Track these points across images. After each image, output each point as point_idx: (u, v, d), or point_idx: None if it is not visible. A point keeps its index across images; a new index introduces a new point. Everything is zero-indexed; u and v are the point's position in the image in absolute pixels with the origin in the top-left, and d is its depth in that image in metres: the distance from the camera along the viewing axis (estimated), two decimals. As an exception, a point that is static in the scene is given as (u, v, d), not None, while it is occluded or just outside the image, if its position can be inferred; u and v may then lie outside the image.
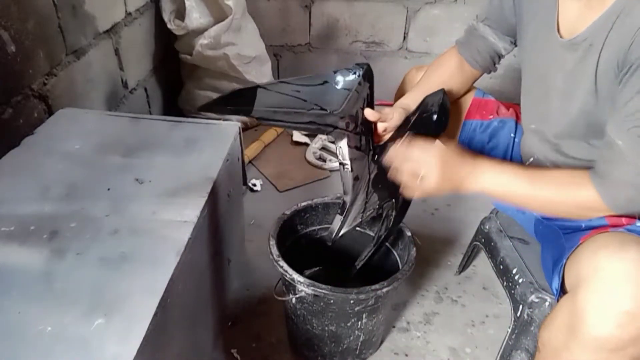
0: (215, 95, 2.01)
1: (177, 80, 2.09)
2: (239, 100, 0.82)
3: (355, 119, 0.94)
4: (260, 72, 2.02)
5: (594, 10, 0.80)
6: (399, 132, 0.99)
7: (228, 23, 1.81)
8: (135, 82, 1.77)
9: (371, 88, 0.96)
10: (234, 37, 1.87)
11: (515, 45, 1.06)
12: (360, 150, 0.96)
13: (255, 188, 1.77)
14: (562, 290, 0.87)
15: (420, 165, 0.85)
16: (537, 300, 0.99)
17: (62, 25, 1.27)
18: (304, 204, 1.21)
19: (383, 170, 0.97)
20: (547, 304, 0.98)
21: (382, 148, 1.01)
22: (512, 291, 1.05)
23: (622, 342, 0.70)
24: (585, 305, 0.72)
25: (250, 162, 1.90)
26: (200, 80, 1.99)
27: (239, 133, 1.19)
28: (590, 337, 0.71)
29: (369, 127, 0.99)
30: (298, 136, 2.06)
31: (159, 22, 1.89)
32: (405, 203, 1.04)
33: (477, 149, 1.16)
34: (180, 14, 1.84)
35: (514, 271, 1.06)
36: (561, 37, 0.87)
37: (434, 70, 1.13)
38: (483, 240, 1.24)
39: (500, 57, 1.10)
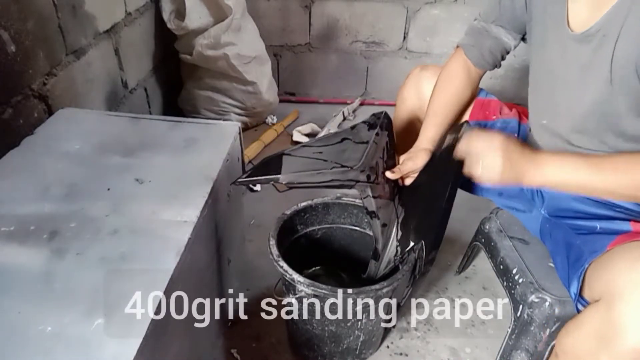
0: (215, 96, 2.03)
1: (177, 80, 2.09)
2: (268, 169, 0.91)
3: (376, 169, 0.97)
4: (260, 72, 2.02)
5: (604, 2, 0.81)
6: (425, 170, 1.03)
7: (228, 23, 1.81)
8: (135, 82, 1.77)
9: (390, 135, 1.00)
10: (234, 37, 1.87)
11: (524, 40, 1.07)
12: (385, 198, 0.99)
13: (255, 188, 1.77)
14: (580, 296, 0.87)
15: (484, 155, 0.86)
16: (537, 300, 0.99)
17: (62, 25, 1.27)
18: (304, 204, 1.21)
19: (410, 212, 1.00)
20: (547, 304, 0.98)
21: (410, 188, 1.04)
22: (512, 291, 1.05)
23: None
24: (624, 317, 0.72)
25: (250, 162, 1.90)
26: (200, 80, 1.99)
27: (239, 133, 1.19)
28: (627, 348, 0.71)
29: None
30: (298, 136, 2.06)
31: (159, 22, 1.89)
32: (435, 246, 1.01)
33: None
34: (180, 14, 1.84)
35: (514, 271, 1.06)
36: (572, 30, 0.88)
37: (444, 89, 1.12)
38: (483, 240, 1.24)
39: (508, 53, 1.11)
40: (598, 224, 0.91)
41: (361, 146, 0.97)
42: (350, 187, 0.96)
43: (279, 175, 0.90)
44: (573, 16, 0.88)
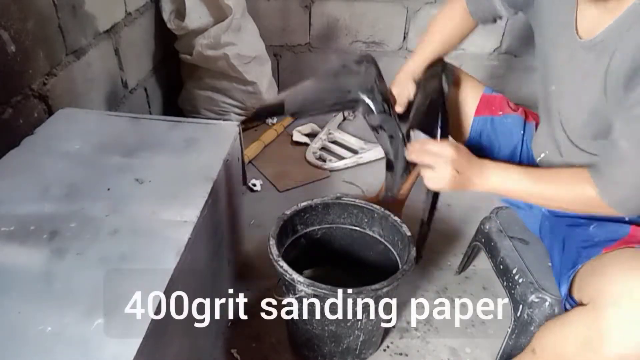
0: (215, 96, 2.05)
1: (177, 80, 2.09)
2: (273, 108, 0.99)
3: (372, 91, 1.04)
4: (260, 72, 2.02)
5: (612, 13, 0.81)
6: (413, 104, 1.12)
7: (228, 23, 1.81)
8: (135, 82, 1.77)
9: (378, 69, 1.08)
10: (234, 37, 1.87)
11: (516, 14, 1.08)
12: (385, 113, 1.06)
13: (255, 188, 1.77)
14: (570, 295, 0.88)
15: (434, 162, 0.93)
16: (537, 300, 0.99)
17: (62, 25, 1.27)
18: (304, 204, 1.21)
19: (412, 124, 1.08)
20: (547, 304, 0.98)
21: (403, 116, 1.12)
22: (512, 291, 1.05)
23: None
24: (612, 323, 0.73)
25: (250, 162, 1.90)
26: (200, 80, 1.99)
27: (239, 133, 1.19)
28: (612, 354, 0.73)
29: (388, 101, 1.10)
30: (298, 136, 2.06)
31: (159, 22, 1.89)
32: None
33: (487, 145, 1.17)
34: (180, 14, 1.84)
35: (514, 271, 1.06)
36: (580, 38, 0.88)
37: (444, 23, 1.18)
38: (483, 240, 1.24)
39: (501, 18, 1.13)
40: (595, 222, 0.91)
41: (354, 74, 1.05)
42: (352, 107, 1.03)
43: (283, 109, 0.96)
44: (582, 24, 0.89)
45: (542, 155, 1.06)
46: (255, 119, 0.97)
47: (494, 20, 1.14)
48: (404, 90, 1.11)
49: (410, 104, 1.13)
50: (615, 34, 0.80)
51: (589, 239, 0.90)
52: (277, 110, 0.98)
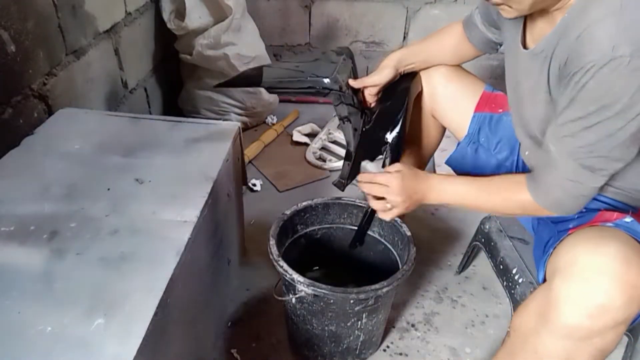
0: (215, 96, 2.05)
1: (177, 80, 2.09)
2: (250, 77, 1.03)
3: (346, 83, 1.11)
4: (260, 72, 2.02)
5: (551, 24, 0.85)
6: (385, 94, 1.16)
7: (228, 23, 1.81)
8: (135, 82, 1.77)
9: (354, 64, 1.15)
10: (234, 37, 1.87)
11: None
12: (354, 107, 1.12)
13: (255, 188, 1.77)
14: (544, 281, 0.89)
15: (385, 193, 0.98)
16: (537, 300, 0.99)
17: (62, 25, 1.27)
18: (304, 204, 1.21)
19: (373, 126, 1.13)
20: (547, 304, 0.98)
21: (370, 110, 1.16)
22: (512, 291, 1.05)
23: (590, 332, 0.73)
24: (560, 293, 0.75)
25: (250, 162, 1.90)
26: (200, 80, 1.99)
27: (239, 133, 1.19)
28: (561, 324, 0.74)
29: (357, 95, 1.15)
30: (298, 136, 2.06)
31: (159, 22, 1.89)
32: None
33: (485, 142, 1.17)
34: (180, 14, 1.84)
35: (514, 271, 1.06)
36: (526, 47, 0.92)
37: (443, 38, 1.22)
38: (483, 240, 1.24)
39: (498, 43, 1.15)
40: (574, 216, 0.92)
41: (332, 64, 1.10)
42: (325, 94, 1.07)
43: (260, 80, 1.01)
44: (530, 33, 0.93)
45: (527, 153, 1.07)
46: (232, 85, 1.10)
47: (494, 49, 1.16)
48: (376, 76, 1.14)
49: (379, 98, 1.16)
50: (552, 42, 0.83)
51: (562, 227, 0.92)
52: (254, 79, 1.03)
